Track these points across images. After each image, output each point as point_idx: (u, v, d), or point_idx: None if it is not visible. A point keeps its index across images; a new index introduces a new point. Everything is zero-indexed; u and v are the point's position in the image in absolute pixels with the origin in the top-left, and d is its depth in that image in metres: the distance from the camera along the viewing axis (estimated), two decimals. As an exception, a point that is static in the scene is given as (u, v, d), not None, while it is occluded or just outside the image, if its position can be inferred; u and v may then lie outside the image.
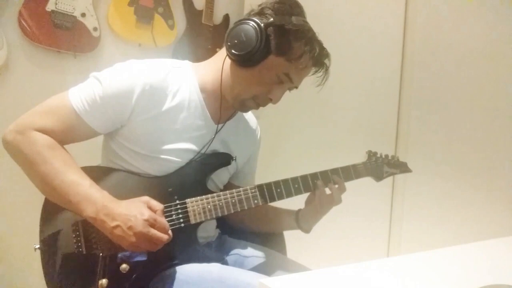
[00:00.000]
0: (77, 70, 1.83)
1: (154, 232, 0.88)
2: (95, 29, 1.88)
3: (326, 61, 1.03)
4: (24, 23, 1.72)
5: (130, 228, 0.86)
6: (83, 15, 1.85)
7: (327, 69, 1.04)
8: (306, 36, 0.97)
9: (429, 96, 1.73)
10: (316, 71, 1.04)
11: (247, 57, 0.96)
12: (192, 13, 2.21)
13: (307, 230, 1.17)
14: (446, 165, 1.66)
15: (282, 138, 2.14)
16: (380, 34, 1.87)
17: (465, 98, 1.62)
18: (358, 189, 1.87)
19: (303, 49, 0.96)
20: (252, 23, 0.96)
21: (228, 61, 1.03)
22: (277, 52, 0.97)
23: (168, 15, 2.12)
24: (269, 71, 0.98)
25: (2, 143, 0.97)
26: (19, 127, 0.95)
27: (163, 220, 0.91)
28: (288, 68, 0.98)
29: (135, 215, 0.87)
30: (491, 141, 1.54)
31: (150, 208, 0.91)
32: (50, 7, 1.77)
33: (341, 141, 1.91)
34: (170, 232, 0.91)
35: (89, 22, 1.87)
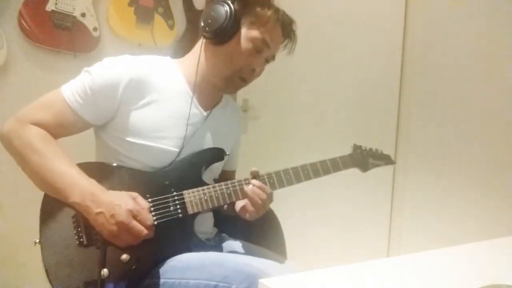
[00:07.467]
0: (77, 70, 1.80)
1: (135, 223, 0.90)
2: (95, 29, 1.88)
3: (293, 26, 1.14)
4: (24, 23, 1.72)
5: (112, 216, 0.89)
6: (83, 15, 1.85)
7: (294, 35, 1.15)
8: (268, 3, 1.08)
9: (430, 95, 1.73)
10: (284, 40, 1.14)
11: (220, 32, 1.04)
12: (192, 13, 2.21)
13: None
14: (446, 165, 1.66)
15: (281, 138, 2.14)
16: (380, 33, 1.87)
17: (466, 96, 1.61)
18: (358, 189, 1.88)
19: (268, 13, 1.07)
20: (220, 1, 1.05)
21: (205, 46, 1.10)
22: (246, 22, 1.06)
23: (168, 15, 2.12)
24: (245, 41, 1.06)
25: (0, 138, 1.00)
26: (16, 121, 0.99)
27: (147, 215, 0.93)
28: (260, 34, 1.06)
29: (119, 204, 0.90)
30: (492, 140, 1.54)
31: (136, 203, 0.93)
32: (50, 7, 1.77)
33: (341, 140, 1.91)
34: (153, 228, 0.93)
35: (89, 22, 1.87)
